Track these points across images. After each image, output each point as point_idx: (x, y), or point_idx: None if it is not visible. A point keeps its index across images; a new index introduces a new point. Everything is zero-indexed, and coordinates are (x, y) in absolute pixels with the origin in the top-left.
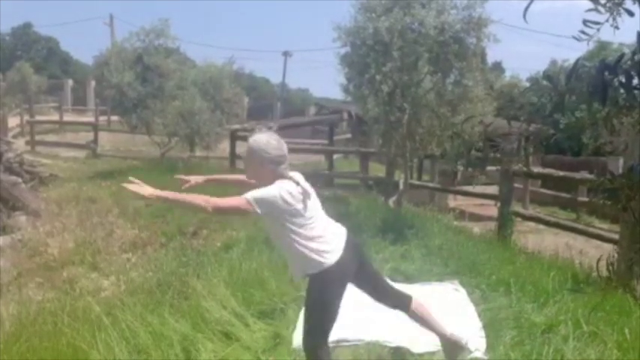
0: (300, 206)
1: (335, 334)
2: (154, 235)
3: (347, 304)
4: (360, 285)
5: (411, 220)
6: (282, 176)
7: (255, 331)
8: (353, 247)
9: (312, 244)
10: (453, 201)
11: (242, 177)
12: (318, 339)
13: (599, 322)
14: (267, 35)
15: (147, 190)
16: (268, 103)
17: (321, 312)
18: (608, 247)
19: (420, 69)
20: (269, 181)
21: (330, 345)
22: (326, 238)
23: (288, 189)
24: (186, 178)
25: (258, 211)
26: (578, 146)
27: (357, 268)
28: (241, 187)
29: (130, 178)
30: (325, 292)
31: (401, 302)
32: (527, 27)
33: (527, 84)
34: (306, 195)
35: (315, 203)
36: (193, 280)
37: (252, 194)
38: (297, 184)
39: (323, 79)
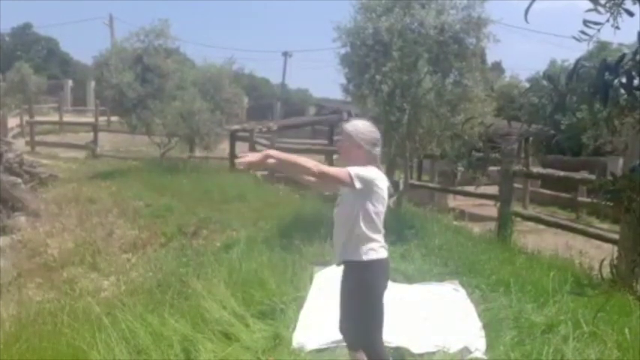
0: (383, 192)
1: (335, 335)
2: (154, 236)
3: None
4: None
5: (410, 220)
6: (376, 160)
7: (255, 332)
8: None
9: (372, 234)
10: (453, 201)
11: (311, 162)
12: (375, 335)
13: (599, 322)
14: (267, 35)
15: (261, 155)
16: (268, 103)
17: (372, 306)
18: (608, 247)
19: (419, 69)
20: (363, 164)
21: (331, 345)
22: (381, 235)
23: (381, 175)
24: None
25: (357, 185)
26: (578, 146)
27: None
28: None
29: (241, 154)
30: (364, 285)
31: (357, 343)
32: (527, 27)
33: (527, 84)
34: (388, 189)
35: (385, 202)
36: (193, 281)
37: (354, 169)
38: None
39: (323, 79)
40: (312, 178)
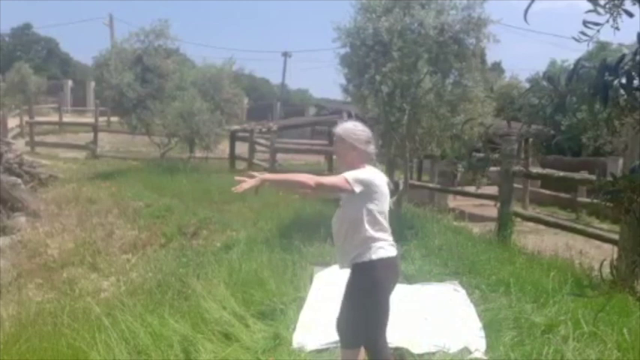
0: (383, 190)
1: (335, 335)
2: (153, 236)
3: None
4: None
5: (410, 220)
6: (371, 158)
7: (255, 332)
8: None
9: (379, 233)
10: (453, 201)
11: (306, 176)
12: (379, 334)
13: (599, 323)
14: (267, 36)
15: (256, 180)
16: (268, 103)
17: (380, 305)
18: (608, 248)
19: (419, 69)
20: (359, 164)
21: (331, 346)
22: (388, 233)
23: (378, 173)
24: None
25: (356, 189)
26: (578, 147)
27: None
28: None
29: (236, 178)
30: (376, 284)
31: (360, 342)
32: (527, 27)
33: (527, 85)
34: (387, 185)
35: (387, 199)
36: (193, 281)
37: (350, 174)
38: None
39: (323, 79)
40: (309, 191)
